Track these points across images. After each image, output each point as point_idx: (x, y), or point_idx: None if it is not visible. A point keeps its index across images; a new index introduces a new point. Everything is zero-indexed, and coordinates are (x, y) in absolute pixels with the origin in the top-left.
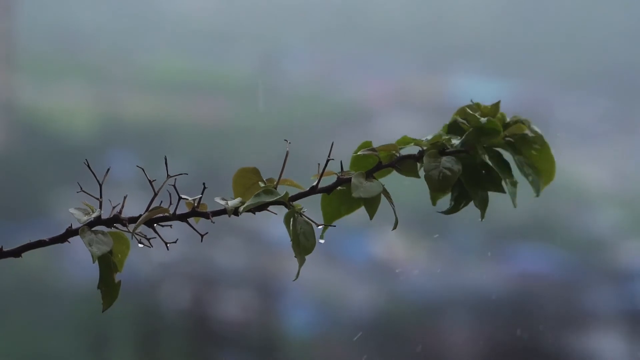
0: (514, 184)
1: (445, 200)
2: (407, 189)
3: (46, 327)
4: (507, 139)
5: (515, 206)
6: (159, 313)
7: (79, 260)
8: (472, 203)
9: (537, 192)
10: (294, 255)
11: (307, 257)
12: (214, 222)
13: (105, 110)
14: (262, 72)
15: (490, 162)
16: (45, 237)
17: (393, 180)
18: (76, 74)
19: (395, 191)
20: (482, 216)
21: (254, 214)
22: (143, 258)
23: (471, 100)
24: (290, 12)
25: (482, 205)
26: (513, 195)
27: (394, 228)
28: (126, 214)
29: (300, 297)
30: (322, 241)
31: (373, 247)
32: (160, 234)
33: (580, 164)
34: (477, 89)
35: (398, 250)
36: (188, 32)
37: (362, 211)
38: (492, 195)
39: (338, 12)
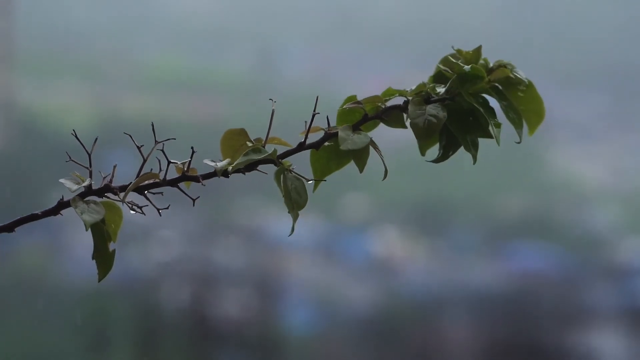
0: (497, 125)
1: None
2: (405, 188)
3: (46, 326)
4: (492, 83)
5: (498, 144)
6: (158, 312)
7: (78, 259)
8: (468, 196)
9: (521, 137)
10: (287, 211)
11: (306, 254)
12: (204, 185)
13: (103, 109)
14: (260, 72)
15: (477, 107)
16: (43, 232)
17: (393, 181)
18: (74, 73)
19: (394, 191)
20: (474, 159)
21: (244, 174)
22: (143, 257)
23: (452, 47)
24: (287, 12)
25: (473, 147)
26: (497, 136)
27: (384, 178)
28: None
29: (299, 296)
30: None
31: (372, 246)
32: (152, 202)
33: (579, 162)
34: None
35: (397, 249)
36: (186, 31)
37: (360, 209)
38: (492, 193)
39: (335, 11)
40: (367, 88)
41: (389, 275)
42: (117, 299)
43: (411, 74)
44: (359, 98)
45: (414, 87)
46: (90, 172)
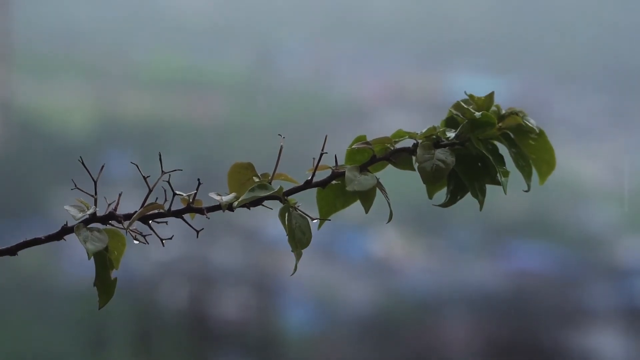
0: (505, 174)
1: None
2: (404, 186)
3: (44, 326)
4: (503, 130)
5: (505, 193)
6: (156, 312)
7: (77, 258)
8: (468, 196)
9: (529, 186)
10: (290, 250)
11: (305, 253)
12: (209, 218)
13: (102, 109)
14: (259, 70)
15: (485, 154)
16: (43, 233)
17: (390, 178)
18: (73, 73)
19: (392, 188)
20: (481, 205)
21: (249, 209)
22: (141, 257)
23: (465, 92)
24: (287, 10)
25: (481, 194)
26: (505, 184)
27: (389, 221)
28: (122, 211)
29: (298, 295)
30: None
31: (371, 245)
32: (156, 231)
33: (577, 160)
34: (474, 85)
35: (396, 248)
36: (184, 30)
37: (360, 208)
38: (489, 192)
39: (334, 9)
40: (368, 88)
41: (388, 274)
42: (115, 299)
43: (412, 73)
44: (360, 100)
45: (424, 130)
46: (95, 200)
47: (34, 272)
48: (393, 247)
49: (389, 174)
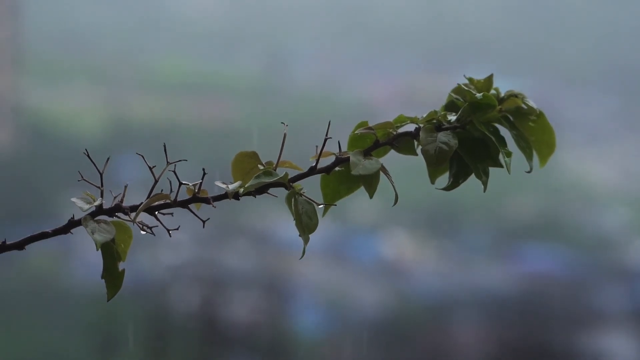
0: (508, 154)
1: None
2: (415, 190)
3: (56, 330)
4: (503, 113)
5: (509, 173)
6: (168, 314)
7: (88, 263)
8: (476, 200)
9: (532, 166)
10: (298, 235)
11: (316, 256)
12: (215, 207)
13: (112, 112)
14: (269, 73)
15: (488, 135)
16: (49, 229)
17: (401, 181)
18: (83, 77)
19: (403, 192)
20: (485, 186)
21: (255, 197)
22: (153, 260)
23: (464, 76)
24: (296, 14)
25: (484, 175)
26: (508, 165)
27: (395, 204)
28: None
29: (309, 298)
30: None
31: (382, 248)
32: (162, 222)
33: (589, 163)
34: None
35: (407, 251)
36: (195, 34)
37: (369, 211)
38: (502, 195)
39: (344, 13)
40: (377, 90)
41: (398, 277)
42: (127, 303)
43: (422, 75)
44: (370, 102)
45: (425, 115)
46: (102, 192)
47: (45, 276)
48: (404, 250)
49: (399, 178)
